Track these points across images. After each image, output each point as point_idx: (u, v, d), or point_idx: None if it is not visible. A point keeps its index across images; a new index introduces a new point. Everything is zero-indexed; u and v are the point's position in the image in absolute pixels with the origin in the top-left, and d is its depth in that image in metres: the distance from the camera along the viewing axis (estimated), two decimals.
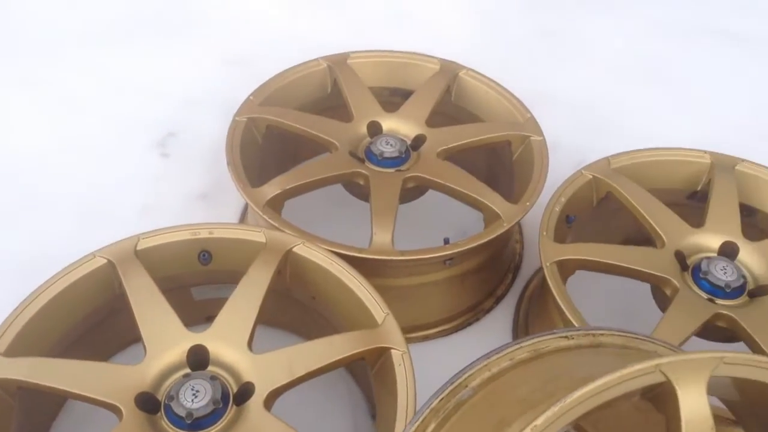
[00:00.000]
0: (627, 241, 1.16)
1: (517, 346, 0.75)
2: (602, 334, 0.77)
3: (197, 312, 1.01)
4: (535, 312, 1.14)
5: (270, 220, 0.98)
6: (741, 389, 0.65)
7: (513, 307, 1.20)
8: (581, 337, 0.76)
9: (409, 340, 1.11)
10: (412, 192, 1.13)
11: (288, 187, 1.04)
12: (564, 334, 0.76)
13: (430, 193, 1.17)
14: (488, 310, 1.18)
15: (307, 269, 0.93)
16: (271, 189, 1.03)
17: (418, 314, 1.11)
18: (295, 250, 0.93)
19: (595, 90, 1.68)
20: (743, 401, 0.74)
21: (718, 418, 0.85)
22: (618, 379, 0.56)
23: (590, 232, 1.15)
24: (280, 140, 1.22)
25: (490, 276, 1.18)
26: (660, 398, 0.59)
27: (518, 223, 1.29)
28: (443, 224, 1.23)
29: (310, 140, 1.17)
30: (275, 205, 1.03)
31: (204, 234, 0.94)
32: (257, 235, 0.94)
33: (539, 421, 0.55)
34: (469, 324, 1.16)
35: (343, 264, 0.92)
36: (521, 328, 1.15)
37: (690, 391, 0.57)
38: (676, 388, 0.56)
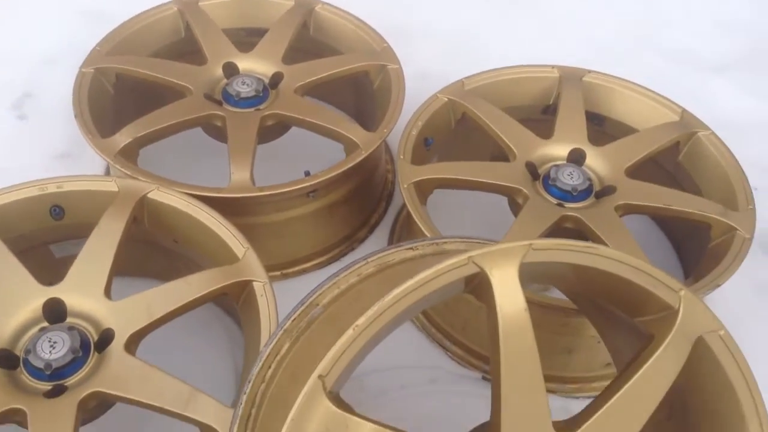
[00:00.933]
0: (493, 160, 1.20)
1: (364, 262, 0.77)
2: (445, 242, 0.81)
3: (61, 269, 0.99)
4: (405, 236, 1.18)
5: (122, 169, 0.97)
6: (578, 278, 0.69)
7: (387, 235, 1.23)
8: (426, 247, 0.80)
9: (285, 276, 1.14)
10: (273, 130, 1.13)
11: (140, 135, 1.02)
12: (409, 246, 0.80)
13: (298, 132, 1.17)
14: (363, 240, 1.21)
15: (164, 214, 0.93)
16: (123, 138, 1.02)
17: (291, 249, 1.13)
18: (150, 195, 0.92)
19: (463, 19, 1.71)
20: (581, 290, 0.80)
21: (564, 310, 0.92)
22: (433, 274, 0.59)
23: (455, 153, 1.18)
24: (138, 90, 1.19)
25: (361, 206, 1.20)
26: (479, 289, 0.63)
27: (388, 152, 1.33)
28: (310, 161, 1.24)
29: (167, 87, 1.15)
30: (129, 154, 1.02)
31: (52, 188, 0.92)
32: (109, 185, 0.93)
33: (360, 320, 0.58)
34: (344, 255, 1.18)
35: (199, 204, 0.92)
36: None
37: (502, 278, 0.61)
38: (489, 276, 0.60)
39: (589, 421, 0.62)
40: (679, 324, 0.64)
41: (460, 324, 1.06)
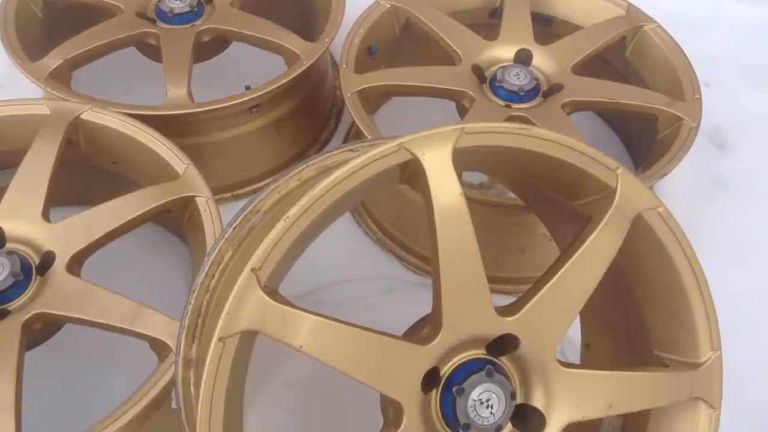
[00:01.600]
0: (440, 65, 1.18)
1: (304, 166, 0.76)
2: (387, 142, 0.79)
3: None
4: None
5: (54, 92, 0.93)
6: (515, 163, 0.68)
7: None
8: (367, 148, 0.78)
9: (236, 197, 1.13)
10: (211, 46, 1.10)
11: (70, 56, 0.99)
12: (350, 148, 0.78)
13: (241, 51, 1.14)
14: None
15: (100, 135, 0.90)
16: (53, 60, 0.98)
17: (240, 169, 1.11)
18: (83, 116, 0.89)
19: None
20: (520, 177, 0.79)
21: (514, 209, 0.91)
22: (363, 163, 0.58)
23: (402, 61, 1.15)
24: (69, 13, 1.15)
25: (309, 122, 1.18)
26: (414, 177, 0.62)
27: (336, 68, 1.29)
28: (254, 79, 1.21)
29: (97, 7, 1.10)
30: (61, 77, 0.98)
31: None
32: (40, 108, 0.89)
33: (291, 211, 0.56)
34: None
35: (135, 123, 0.89)
36: None
37: (435, 163, 0.59)
38: (422, 161, 0.59)
39: (531, 302, 0.62)
40: (617, 202, 0.63)
41: (413, 232, 1.06)
